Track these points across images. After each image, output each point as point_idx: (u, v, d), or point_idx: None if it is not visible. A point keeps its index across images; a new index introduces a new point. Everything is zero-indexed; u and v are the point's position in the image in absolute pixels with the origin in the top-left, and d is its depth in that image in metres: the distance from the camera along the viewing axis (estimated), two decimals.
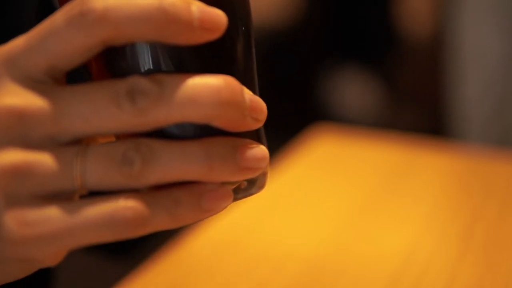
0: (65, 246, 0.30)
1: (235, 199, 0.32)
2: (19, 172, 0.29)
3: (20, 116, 0.30)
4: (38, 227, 0.29)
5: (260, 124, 0.32)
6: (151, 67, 0.31)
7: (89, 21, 0.29)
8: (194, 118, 0.30)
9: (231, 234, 0.62)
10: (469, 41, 1.31)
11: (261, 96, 0.35)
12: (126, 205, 0.29)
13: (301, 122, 2.25)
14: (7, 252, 0.30)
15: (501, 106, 1.29)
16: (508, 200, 0.68)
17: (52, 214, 0.29)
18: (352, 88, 2.42)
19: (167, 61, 0.31)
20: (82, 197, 0.30)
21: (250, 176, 0.31)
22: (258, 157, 0.31)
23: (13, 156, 0.29)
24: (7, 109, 0.30)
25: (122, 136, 0.32)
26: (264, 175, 0.33)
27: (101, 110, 0.29)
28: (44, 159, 0.30)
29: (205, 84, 0.30)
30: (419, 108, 2.38)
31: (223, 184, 0.31)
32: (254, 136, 0.33)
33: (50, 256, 0.30)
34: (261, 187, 0.33)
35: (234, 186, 0.32)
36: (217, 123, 0.30)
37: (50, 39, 0.30)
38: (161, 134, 0.31)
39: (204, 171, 0.30)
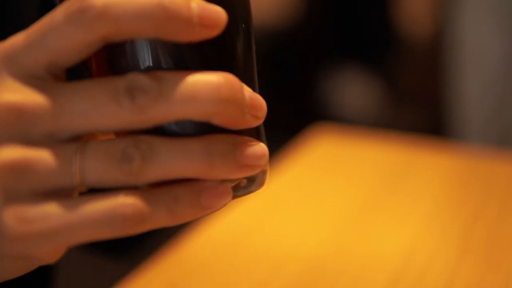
0: (64, 243, 0.29)
1: (235, 197, 0.32)
2: (18, 169, 0.29)
3: (19, 113, 0.29)
4: (37, 223, 0.29)
5: (259, 122, 0.32)
6: (151, 64, 0.31)
7: (89, 17, 0.29)
8: (193, 115, 0.30)
9: (231, 234, 0.62)
10: (469, 41, 1.31)
11: (261, 94, 0.35)
12: (125, 202, 0.29)
13: (301, 122, 2.25)
14: (6, 249, 0.30)
15: (501, 106, 1.29)
16: (508, 200, 0.68)
17: (51, 210, 0.29)
18: (352, 88, 2.42)
19: (167, 58, 0.31)
20: (81, 194, 0.30)
21: (249, 173, 0.31)
22: (258, 155, 0.31)
23: (12, 153, 0.29)
24: (7, 105, 0.29)
25: (122, 133, 0.32)
26: (263, 173, 0.33)
27: (100, 107, 0.29)
28: (43, 156, 0.30)
29: (204, 81, 0.30)
30: (419, 108, 2.38)
31: (223, 181, 0.31)
32: (254, 133, 0.33)
33: (49, 253, 0.30)
34: (261, 185, 0.33)
35: (233, 184, 0.32)
36: (216, 120, 0.30)
37: (50, 35, 0.30)
38: (161, 131, 0.31)
39: (204, 168, 0.30)
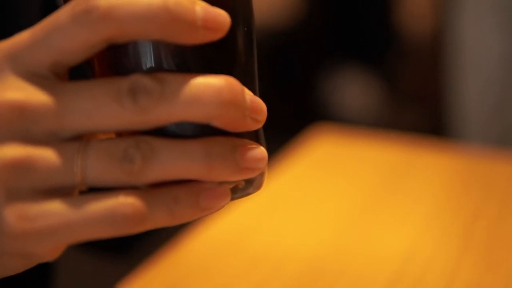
0: (64, 241, 0.30)
1: (233, 199, 0.33)
2: (20, 167, 0.29)
3: (22, 111, 0.30)
4: (37, 221, 0.29)
5: (260, 125, 0.32)
6: (154, 66, 0.31)
7: (94, 18, 0.29)
8: (195, 118, 0.30)
9: (231, 234, 0.62)
10: (469, 41, 1.31)
11: (261, 96, 0.35)
12: (125, 201, 0.29)
13: (301, 122, 2.25)
14: (6, 247, 0.30)
15: (501, 106, 1.29)
16: (508, 200, 0.68)
17: (52, 209, 0.29)
18: (352, 88, 2.42)
19: (170, 60, 0.31)
20: (82, 193, 0.30)
21: (249, 176, 0.32)
22: (258, 158, 0.32)
23: (14, 151, 0.29)
24: (9, 103, 0.30)
25: (123, 134, 0.32)
26: (261, 176, 0.34)
27: (103, 107, 0.30)
28: (45, 154, 0.30)
29: (207, 84, 0.30)
30: (419, 108, 2.38)
31: (222, 183, 0.31)
32: (253, 136, 0.33)
33: (49, 251, 0.30)
34: (259, 187, 0.34)
35: (232, 186, 0.33)
36: (217, 122, 0.30)
37: (54, 35, 0.30)
38: (162, 132, 0.31)
39: (204, 170, 0.30)
